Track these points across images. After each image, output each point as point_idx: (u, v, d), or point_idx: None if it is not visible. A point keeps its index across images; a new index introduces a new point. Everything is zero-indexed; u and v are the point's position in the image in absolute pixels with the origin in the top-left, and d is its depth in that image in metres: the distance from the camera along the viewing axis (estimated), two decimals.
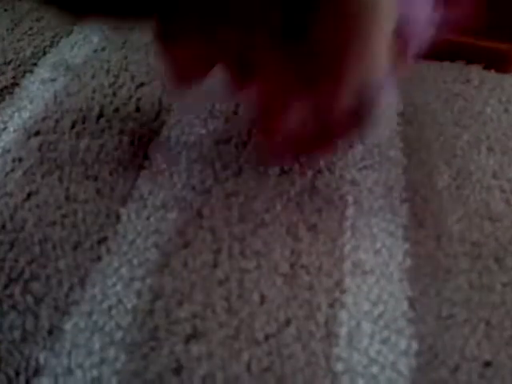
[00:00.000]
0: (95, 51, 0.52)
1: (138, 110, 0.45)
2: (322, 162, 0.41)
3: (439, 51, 0.51)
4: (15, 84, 0.48)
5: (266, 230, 0.36)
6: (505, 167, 0.41)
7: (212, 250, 0.35)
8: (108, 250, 0.35)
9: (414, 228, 0.37)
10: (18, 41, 0.52)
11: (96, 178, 0.39)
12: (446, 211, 0.38)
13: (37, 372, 0.29)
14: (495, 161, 0.41)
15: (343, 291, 0.34)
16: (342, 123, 0.33)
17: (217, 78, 0.35)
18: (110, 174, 0.40)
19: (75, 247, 0.35)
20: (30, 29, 0.54)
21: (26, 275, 0.33)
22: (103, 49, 0.52)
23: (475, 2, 0.30)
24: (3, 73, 0.48)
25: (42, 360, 0.30)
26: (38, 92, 0.47)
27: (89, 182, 0.39)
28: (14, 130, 0.43)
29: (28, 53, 0.51)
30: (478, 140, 0.43)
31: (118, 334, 0.31)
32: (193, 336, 0.30)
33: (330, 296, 0.33)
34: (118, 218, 0.37)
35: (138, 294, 0.33)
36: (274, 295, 0.32)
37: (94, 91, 0.46)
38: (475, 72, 0.50)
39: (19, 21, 0.54)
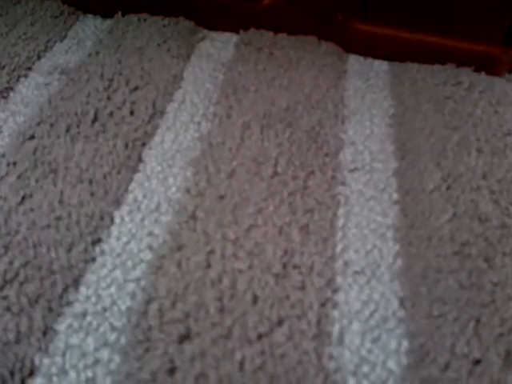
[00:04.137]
0: (89, 55, 0.52)
1: (132, 113, 0.45)
2: (314, 163, 0.41)
3: (430, 54, 0.52)
4: (10, 88, 0.48)
5: (258, 230, 0.36)
6: (494, 168, 0.41)
7: (205, 252, 0.35)
8: (102, 252, 0.35)
9: (405, 229, 0.38)
10: (13, 45, 0.52)
11: (90, 181, 0.39)
12: (437, 212, 0.38)
13: (31, 373, 0.30)
14: (485, 162, 0.42)
15: (335, 291, 0.34)
16: None
17: None
18: (104, 177, 0.40)
19: (69, 249, 0.35)
20: (24, 33, 0.54)
21: (21, 277, 0.33)
22: (97, 53, 0.52)
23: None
24: None
25: (36, 361, 0.30)
26: (32, 96, 0.48)
27: (83, 185, 0.39)
28: (9, 135, 0.43)
29: (22, 57, 0.51)
30: (468, 141, 0.43)
31: (112, 335, 0.31)
32: (186, 336, 0.31)
33: (321, 295, 0.33)
34: (112, 220, 0.37)
35: (132, 296, 0.33)
36: (267, 295, 0.33)
37: (88, 95, 0.47)
38: (466, 74, 0.50)
39: (13, 25, 0.55)
